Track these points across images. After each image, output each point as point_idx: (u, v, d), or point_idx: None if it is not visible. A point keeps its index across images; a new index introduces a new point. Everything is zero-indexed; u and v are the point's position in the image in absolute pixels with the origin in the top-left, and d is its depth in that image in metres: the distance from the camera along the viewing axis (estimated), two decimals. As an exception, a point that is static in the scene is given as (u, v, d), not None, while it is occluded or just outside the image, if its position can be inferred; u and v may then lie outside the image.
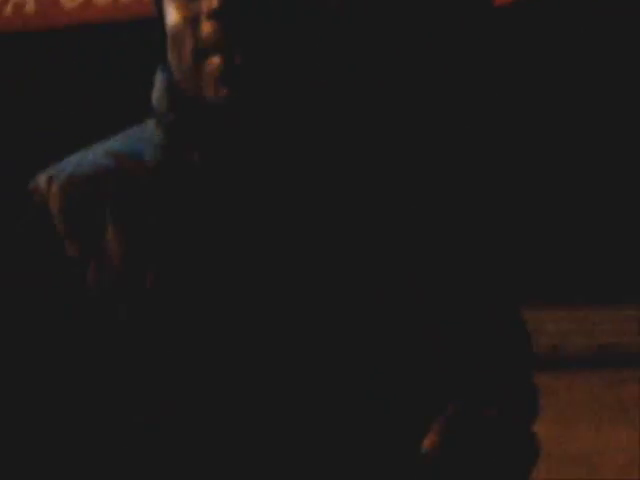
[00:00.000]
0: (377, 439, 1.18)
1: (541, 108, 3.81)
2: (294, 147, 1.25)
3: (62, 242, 1.27)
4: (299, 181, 1.23)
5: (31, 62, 4.46)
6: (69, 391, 1.22)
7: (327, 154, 1.26)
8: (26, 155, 4.65)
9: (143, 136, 1.32)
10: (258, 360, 1.17)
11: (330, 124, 1.27)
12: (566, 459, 3.55)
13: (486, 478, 1.17)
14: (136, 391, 1.19)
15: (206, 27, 1.22)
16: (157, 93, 1.33)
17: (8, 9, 4.33)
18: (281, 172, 1.23)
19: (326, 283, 1.20)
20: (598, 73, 3.75)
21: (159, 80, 1.32)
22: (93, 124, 3.54)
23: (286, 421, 1.16)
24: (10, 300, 1.28)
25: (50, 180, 1.32)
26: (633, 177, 3.75)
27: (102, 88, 3.85)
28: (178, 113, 1.28)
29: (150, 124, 1.33)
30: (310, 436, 1.16)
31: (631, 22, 3.69)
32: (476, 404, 1.17)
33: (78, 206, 1.28)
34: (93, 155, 1.33)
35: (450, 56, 3.89)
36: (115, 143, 1.35)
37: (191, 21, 1.24)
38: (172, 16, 1.26)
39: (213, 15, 1.21)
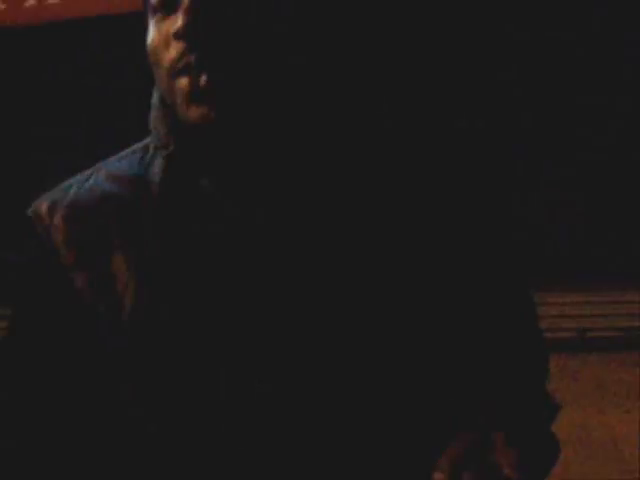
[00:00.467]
0: (380, 452, 1.17)
1: (538, 104, 3.80)
2: (283, 158, 1.23)
3: (69, 275, 1.24)
4: (299, 189, 1.21)
5: (55, 53, 4.47)
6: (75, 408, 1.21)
7: (316, 161, 1.24)
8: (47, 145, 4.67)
9: (143, 160, 1.29)
10: (262, 370, 1.16)
11: (310, 133, 1.24)
12: (592, 445, 3.54)
13: None
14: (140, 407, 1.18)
15: (174, 47, 1.21)
16: (154, 113, 1.30)
17: (31, 0, 4.34)
18: (281, 182, 1.21)
19: (333, 291, 1.18)
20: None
21: (155, 99, 1.29)
22: (110, 116, 3.56)
23: (288, 430, 1.16)
24: (20, 335, 1.26)
25: (51, 209, 1.28)
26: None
27: (125, 75, 3.86)
28: (177, 142, 1.25)
29: (151, 148, 1.30)
30: (310, 450, 1.15)
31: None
32: (487, 444, 1.15)
33: (83, 237, 1.25)
34: (94, 179, 1.29)
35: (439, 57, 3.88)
36: (115, 165, 1.31)
37: (164, 40, 1.23)
38: (150, 34, 1.25)
39: (178, 35, 1.20)
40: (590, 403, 3.57)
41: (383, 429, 1.19)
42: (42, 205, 1.30)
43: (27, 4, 4.32)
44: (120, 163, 1.31)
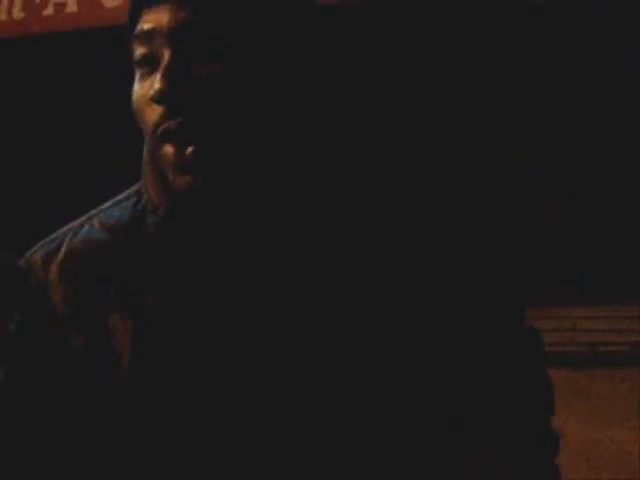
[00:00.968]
0: None
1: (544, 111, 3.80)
2: (271, 218, 1.18)
3: (65, 332, 1.20)
4: (286, 246, 1.18)
5: (73, 61, 4.49)
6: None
7: (301, 218, 1.19)
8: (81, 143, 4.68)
9: (138, 206, 1.24)
10: (257, 419, 1.15)
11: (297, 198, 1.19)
12: (604, 461, 3.53)
13: None
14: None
15: (154, 109, 1.16)
16: (145, 169, 1.24)
17: (49, 9, 4.36)
18: (270, 239, 1.17)
19: (318, 344, 1.16)
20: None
21: (145, 154, 1.24)
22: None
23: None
24: (15, 396, 1.21)
25: (46, 262, 1.24)
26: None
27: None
28: (168, 207, 1.20)
29: (142, 201, 1.24)
30: None
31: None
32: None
33: (80, 296, 1.21)
34: (88, 229, 1.25)
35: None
36: (109, 213, 1.26)
37: (146, 100, 1.17)
38: (134, 89, 1.20)
39: (156, 99, 1.14)
40: (600, 418, 3.57)
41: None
42: (36, 257, 1.26)
43: (46, 13, 4.35)
44: (114, 210, 1.26)
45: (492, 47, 3.87)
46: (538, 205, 3.83)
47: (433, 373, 1.19)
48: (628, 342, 3.62)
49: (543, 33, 3.78)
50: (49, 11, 4.34)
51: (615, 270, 3.70)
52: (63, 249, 1.25)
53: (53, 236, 1.28)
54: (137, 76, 1.19)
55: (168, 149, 1.15)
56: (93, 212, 1.29)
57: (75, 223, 1.28)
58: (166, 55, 1.15)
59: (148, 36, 1.17)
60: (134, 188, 1.27)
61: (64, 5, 4.32)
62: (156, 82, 1.14)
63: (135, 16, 1.19)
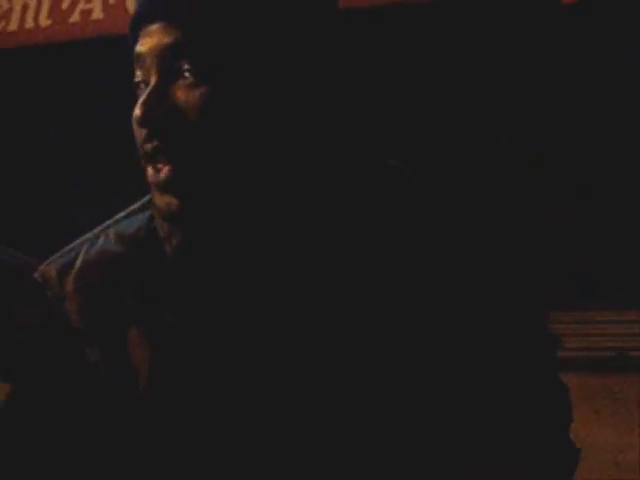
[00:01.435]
0: None
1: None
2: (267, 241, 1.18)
3: (81, 345, 1.20)
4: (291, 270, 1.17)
5: (99, 68, 4.51)
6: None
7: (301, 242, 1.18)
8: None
9: (150, 224, 1.24)
10: (272, 441, 1.14)
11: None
12: (634, 467, 3.51)
13: None
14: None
15: (138, 130, 1.19)
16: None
17: (75, 16, 4.37)
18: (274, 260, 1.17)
19: (340, 369, 1.15)
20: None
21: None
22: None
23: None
24: (26, 408, 1.21)
25: (61, 275, 1.23)
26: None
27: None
28: (181, 241, 1.20)
29: (156, 219, 1.23)
30: None
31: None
32: None
33: (96, 309, 1.20)
34: (104, 241, 1.24)
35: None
36: (124, 224, 1.26)
37: (135, 122, 1.20)
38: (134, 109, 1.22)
39: (137, 122, 1.18)
40: (629, 423, 3.55)
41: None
42: (51, 270, 1.25)
43: (71, 20, 4.37)
44: (129, 221, 1.26)
45: (506, 47, 3.86)
46: (566, 209, 3.82)
47: (446, 380, 1.19)
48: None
49: (556, 35, 3.77)
50: (75, 18, 4.36)
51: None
52: (79, 261, 1.24)
53: (68, 247, 1.27)
54: (138, 95, 1.21)
55: (148, 170, 1.18)
56: (108, 222, 1.28)
57: (90, 234, 1.27)
58: (152, 79, 1.18)
59: (141, 58, 1.20)
60: (148, 198, 1.26)
61: (90, 12, 4.33)
62: (137, 107, 1.18)
63: (133, 37, 1.22)
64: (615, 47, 3.73)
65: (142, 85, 1.20)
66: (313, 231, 1.18)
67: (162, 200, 1.18)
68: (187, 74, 1.16)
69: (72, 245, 1.27)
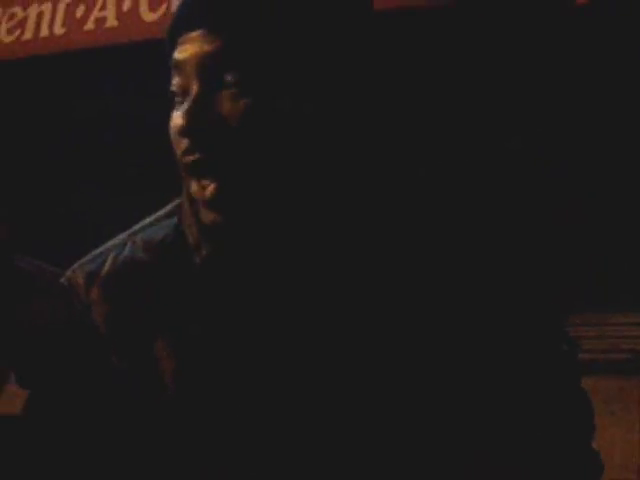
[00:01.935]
0: None
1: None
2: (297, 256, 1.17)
3: (108, 354, 1.19)
4: (322, 266, 1.16)
5: (114, 75, 4.52)
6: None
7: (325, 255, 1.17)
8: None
9: (180, 225, 1.23)
10: (301, 439, 1.14)
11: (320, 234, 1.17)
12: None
13: None
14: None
15: (181, 141, 1.15)
16: (184, 203, 1.22)
17: (90, 24, 4.39)
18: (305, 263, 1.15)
19: (366, 356, 1.15)
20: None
21: (184, 187, 1.21)
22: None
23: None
24: (56, 417, 1.21)
25: (88, 282, 1.22)
26: None
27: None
28: (209, 247, 1.18)
29: (185, 228, 1.22)
30: None
31: None
32: None
33: (123, 319, 1.19)
34: (130, 249, 1.23)
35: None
36: (151, 231, 1.25)
37: (176, 130, 1.17)
38: (172, 116, 1.19)
39: (181, 132, 1.15)
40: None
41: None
42: (78, 277, 1.24)
43: (86, 28, 4.38)
44: (156, 228, 1.25)
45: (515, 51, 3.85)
46: (582, 210, 3.81)
47: (465, 385, 1.18)
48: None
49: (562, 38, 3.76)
50: (90, 26, 4.37)
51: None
52: (106, 269, 1.24)
53: (95, 254, 1.26)
54: (175, 104, 1.18)
55: (192, 183, 1.16)
56: (135, 229, 1.27)
57: (117, 241, 1.26)
58: (193, 88, 1.15)
59: (180, 65, 1.16)
60: (174, 204, 1.26)
61: (104, 20, 4.35)
62: (179, 117, 1.14)
63: (172, 42, 1.18)
64: (628, 48, 3.72)
65: (180, 93, 1.17)
66: (343, 245, 1.18)
67: (208, 216, 1.16)
68: (230, 84, 1.13)
69: (99, 251, 1.26)
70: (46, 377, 1.24)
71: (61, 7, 4.43)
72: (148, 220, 1.28)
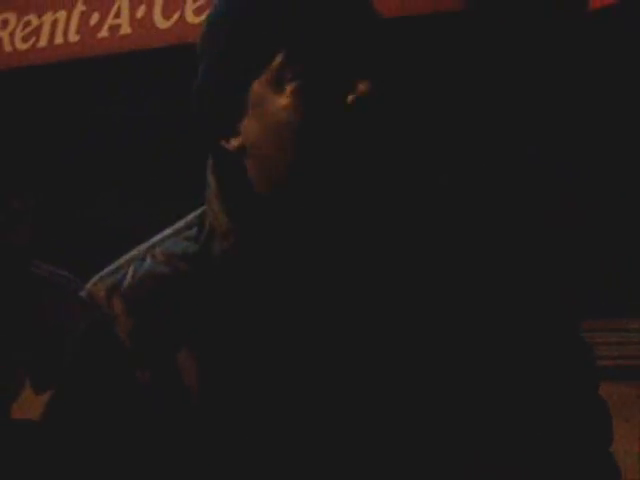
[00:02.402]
0: None
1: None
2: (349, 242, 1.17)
3: (132, 368, 1.19)
4: (364, 272, 1.16)
5: (128, 81, 4.54)
6: None
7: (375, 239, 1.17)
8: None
9: (201, 236, 1.23)
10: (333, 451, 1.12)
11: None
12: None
13: None
14: None
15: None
16: (210, 194, 1.23)
17: (104, 32, 4.40)
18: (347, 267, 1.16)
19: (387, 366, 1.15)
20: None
21: (211, 180, 1.22)
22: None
23: None
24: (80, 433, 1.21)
25: (110, 296, 1.22)
26: None
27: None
28: (240, 234, 1.19)
29: (207, 224, 1.23)
30: None
31: None
32: None
33: (147, 328, 1.20)
34: (151, 261, 1.23)
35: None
36: (171, 243, 1.24)
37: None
38: (253, 126, 1.16)
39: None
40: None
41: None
42: (99, 290, 1.23)
43: (100, 35, 4.40)
44: (176, 241, 1.24)
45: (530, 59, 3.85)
46: (598, 216, 3.81)
47: (483, 391, 1.19)
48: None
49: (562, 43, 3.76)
50: (104, 34, 4.39)
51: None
52: (127, 282, 1.23)
53: (114, 266, 1.25)
54: (252, 114, 1.15)
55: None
56: (154, 241, 1.26)
57: (136, 252, 1.26)
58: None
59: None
60: (194, 215, 1.25)
61: (118, 27, 4.36)
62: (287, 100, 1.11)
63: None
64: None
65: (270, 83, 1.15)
66: (366, 247, 1.18)
67: (221, 243, 1.19)
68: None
69: (118, 264, 1.26)
70: (66, 384, 1.25)
71: (75, 15, 4.45)
72: (167, 232, 1.27)
